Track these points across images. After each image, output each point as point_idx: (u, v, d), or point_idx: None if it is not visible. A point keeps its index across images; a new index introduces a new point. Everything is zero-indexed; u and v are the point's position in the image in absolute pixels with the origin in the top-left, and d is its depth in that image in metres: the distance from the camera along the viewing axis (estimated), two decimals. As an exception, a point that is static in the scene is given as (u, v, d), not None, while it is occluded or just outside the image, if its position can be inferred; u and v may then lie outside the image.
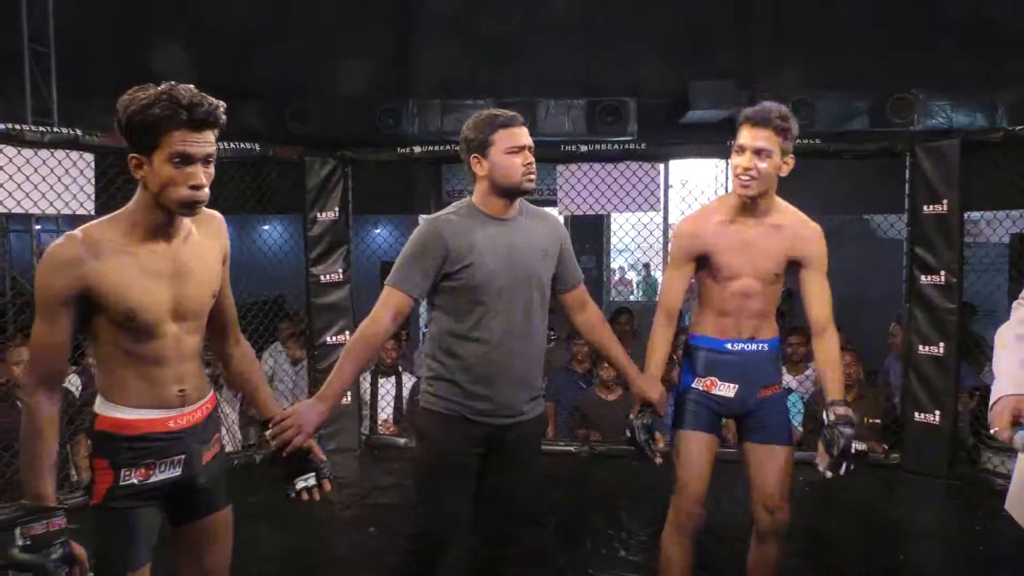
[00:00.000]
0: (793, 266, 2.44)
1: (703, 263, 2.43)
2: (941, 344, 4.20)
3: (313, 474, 1.99)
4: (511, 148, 2.18)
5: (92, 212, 3.98)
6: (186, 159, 1.63)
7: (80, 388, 4.17)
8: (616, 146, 4.88)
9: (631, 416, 2.49)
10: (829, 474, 2.31)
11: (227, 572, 1.95)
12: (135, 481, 1.74)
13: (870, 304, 6.06)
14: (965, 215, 4.17)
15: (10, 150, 3.65)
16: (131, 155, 1.66)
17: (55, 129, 3.94)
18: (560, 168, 4.75)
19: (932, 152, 4.23)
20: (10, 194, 3.66)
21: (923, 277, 4.24)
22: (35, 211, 3.85)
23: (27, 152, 3.70)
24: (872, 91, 8.25)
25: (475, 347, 2.19)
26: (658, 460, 2.46)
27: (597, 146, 4.81)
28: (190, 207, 1.68)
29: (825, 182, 7.28)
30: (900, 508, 3.96)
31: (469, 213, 2.23)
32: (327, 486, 2.00)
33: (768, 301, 2.45)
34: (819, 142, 4.56)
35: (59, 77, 6.21)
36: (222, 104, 1.68)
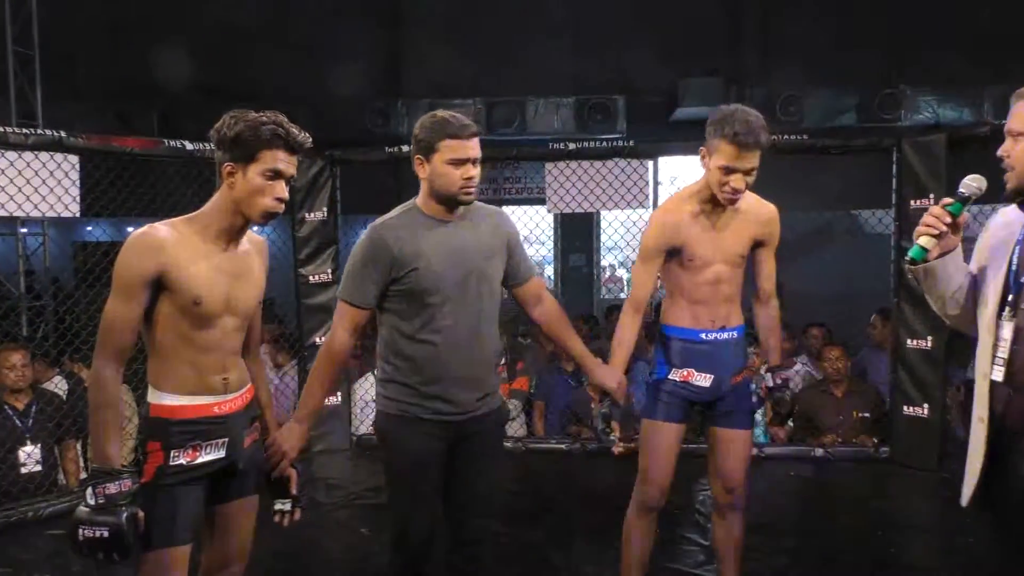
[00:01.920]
0: (755, 246, 2.53)
1: (674, 254, 2.47)
2: (929, 338, 4.22)
3: (290, 501, 2.14)
4: (453, 160, 2.14)
5: (77, 214, 3.96)
6: (276, 175, 1.87)
7: (68, 392, 4.14)
8: (605, 144, 4.88)
9: (591, 405, 2.52)
10: (768, 419, 2.46)
11: (245, 558, 2.08)
12: (184, 462, 1.88)
13: (858, 299, 6.08)
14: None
15: (-6, 153, 3.62)
16: (227, 163, 1.88)
17: (39, 131, 3.90)
18: (549, 166, 4.74)
19: (919, 147, 4.25)
20: (-6, 197, 3.63)
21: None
22: (20, 214, 3.82)
23: (11, 155, 3.67)
24: (860, 87, 8.29)
25: (425, 348, 2.21)
26: (616, 449, 2.54)
27: (586, 144, 4.81)
28: (269, 216, 1.91)
29: (814, 178, 7.31)
30: (890, 501, 3.97)
31: (412, 216, 2.24)
32: (297, 515, 2.16)
33: (736, 285, 2.51)
34: (807, 138, 4.57)
35: (43, 79, 6.16)
36: (310, 137, 1.94)
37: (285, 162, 1.88)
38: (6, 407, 3.79)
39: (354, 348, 2.32)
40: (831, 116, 8.35)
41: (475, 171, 2.18)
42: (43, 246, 6.07)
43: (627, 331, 2.55)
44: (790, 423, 4.58)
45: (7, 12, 5.90)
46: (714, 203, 2.41)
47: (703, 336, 2.48)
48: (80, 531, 1.74)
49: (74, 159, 3.87)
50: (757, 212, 2.49)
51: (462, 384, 2.24)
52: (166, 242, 1.83)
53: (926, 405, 4.23)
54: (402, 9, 9.02)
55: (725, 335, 2.49)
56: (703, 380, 2.49)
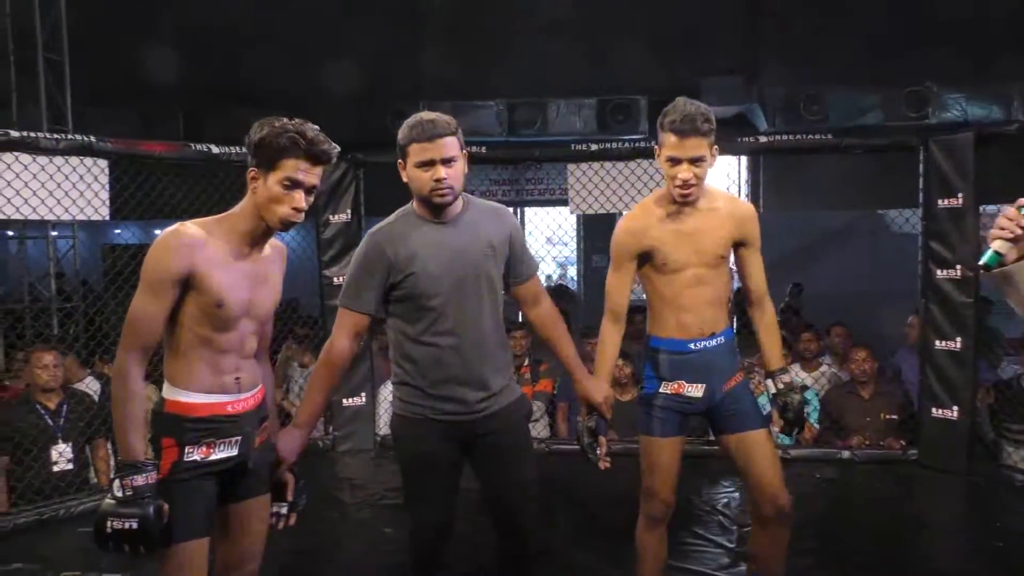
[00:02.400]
0: (735, 247, 2.47)
1: (647, 260, 2.43)
2: (958, 339, 4.16)
3: (287, 504, 2.17)
4: (419, 162, 2.15)
5: (106, 217, 4.02)
6: (295, 184, 1.88)
7: (99, 393, 4.21)
8: (628, 144, 4.86)
9: (578, 418, 2.50)
10: (787, 439, 2.38)
11: (259, 558, 2.10)
12: (197, 458, 1.92)
13: (884, 300, 6.02)
14: (981, 209, 4.13)
15: (26, 157, 3.68)
16: (251, 169, 1.90)
17: (70, 136, 3.97)
18: (571, 167, 4.75)
19: (946, 146, 4.20)
20: (26, 201, 3.69)
21: (939, 272, 4.21)
22: (51, 217, 3.89)
23: (42, 159, 3.74)
24: (885, 85, 8.19)
25: (429, 351, 2.21)
26: (602, 465, 2.47)
27: (608, 145, 4.80)
28: (287, 224, 1.92)
29: (838, 178, 7.24)
30: (918, 504, 3.92)
31: (408, 220, 2.25)
32: (293, 519, 2.18)
33: (719, 288, 2.45)
34: (831, 137, 4.53)
35: (72, 84, 6.26)
36: (337, 148, 1.94)
37: (305, 172, 1.88)
38: (38, 406, 3.86)
39: (354, 354, 2.30)
40: (855, 115, 8.26)
41: (446, 171, 2.15)
42: (73, 249, 6.17)
43: (608, 342, 2.50)
44: (816, 425, 4.54)
45: (37, 19, 6.00)
46: (683, 205, 2.37)
47: (692, 346, 2.42)
48: (108, 523, 1.77)
49: (103, 163, 3.93)
50: (731, 210, 2.44)
51: (468, 384, 2.23)
52: (198, 242, 1.86)
53: (955, 407, 4.17)
54: (422, 11, 9.06)
55: (714, 342, 2.43)
56: (696, 391, 2.43)
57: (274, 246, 2.07)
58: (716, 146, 2.33)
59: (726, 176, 10.81)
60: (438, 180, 2.15)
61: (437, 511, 2.29)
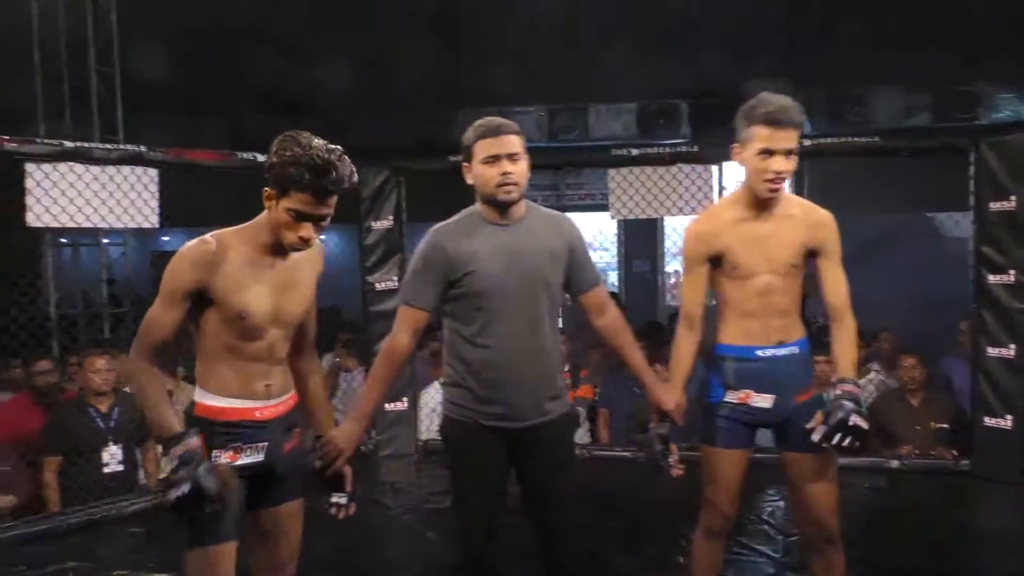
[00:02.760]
0: (809, 256, 2.37)
1: (717, 264, 2.36)
2: (1012, 346, 4.04)
3: (345, 495, 2.17)
4: (486, 158, 2.19)
5: (156, 225, 4.12)
6: (301, 216, 1.86)
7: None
8: (669, 149, 4.83)
9: (650, 425, 2.45)
10: (817, 438, 2.21)
11: (294, 563, 2.10)
12: (225, 462, 1.92)
13: (934, 306, 5.88)
14: (1035, 211, 4.02)
15: (79, 167, 3.79)
16: (266, 189, 1.88)
17: (121, 146, 4.08)
18: (612, 172, 4.73)
19: (998, 147, 4.09)
20: (79, 209, 3.81)
21: (991, 276, 4.10)
22: (103, 225, 4.00)
23: (95, 169, 3.85)
24: (933, 85, 8.01)
25: (482, 352, 2.22)
26: (674, 472, 2.41)
27: (649, 150, 4.77)
28: (295, 250, 1.93)
29: (886, 180, 7.09)
30: (970, 515, 3.82)
31: (471, 219, 2.27)
32: (352, 509, 2.18)
33: (791, 297, 2.36)
34: (878, 139, 4.45)
35: (123, 95, 6.43)
36: (352, 174, 1.88)
37: (311, 205, 1.84)
38: (90, 409, 3.96)
39: (413, 351, 2.35)
40: (902, 116, 8.09)
41: (513, 167, 2.19)
42: (124, 255, 6.33)
43: (682, 348, 2.42)
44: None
45: (90, 32, 6.17)
46: (758, 208, 2.31)
47: (758, 353, 2.33)
48: (171, 495, 1.80)
49: (153, 172, 4.04)
50: (806, 217, 2.35)
51: (520, 390, 2.23)
52: (212, 257, 1.88)
53: (1009, 416, 4.05)
54: (462, 18, 9.11)
55: (784, 351, 2.34)
56: (764, 401, 2.33)
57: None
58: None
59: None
60: (504, 174, 2.18)
61: (483, 514, 2.29)
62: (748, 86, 8.15)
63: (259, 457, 1.98)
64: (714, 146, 4.85)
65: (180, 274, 1.88)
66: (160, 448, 1.89)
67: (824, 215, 2.39)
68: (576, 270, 2.35)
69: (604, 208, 5.02)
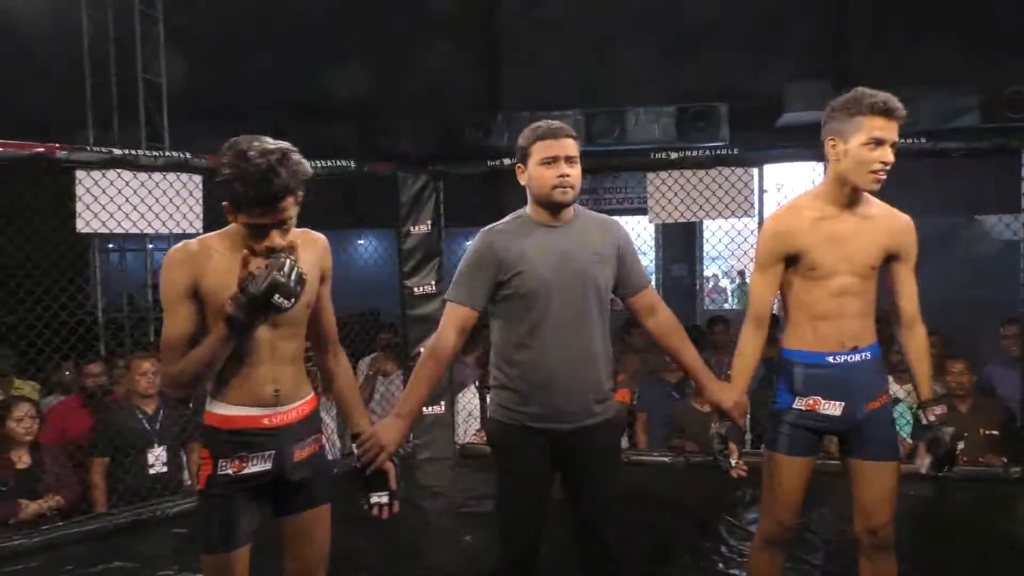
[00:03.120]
0: (888, 260, 2.30)
1: (793, 263, 2.28)
2: (1065, 351, 3.93)
3: (387, 493, 2.10)
4: (544, 159, 2.21)
5: (200, 231, 4.19)
6: (259, 229, 1.81)
7: (192, 399, 4.37)
8: (708, 152, 4.79)
9: (711, 424, 2.41)
10: (926, 470, 2.23)
11: (324, 567, 2.09)
12: (230, 472, 1.92)
13: (984, 310, 5.72)
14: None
15: (127, 174, 3.88)
16: (224, 202, 1.83)
17: (167, 153, 4.16)
18: (650, 176, 4.70)
19: (1051, 147, 3.98)
20: (127, 215, 3.89)
21: (1042, 280, 3.98)
22: (149, 231, 4.09)
23: (142, 175, 3.93)
24: (983, 86, 7.82)
25: (530, 354, 2.22)
26: (735, 473, 2.36)
27: (687, 153, 4.73)
28: (265, 256, 1.83)
29: (932, 182, 6.94)
30: (1020, 525, 3.71)
31: (522, 221, 2.30)
32: (396, 507, 2.12)
33: (867, 300, 2.29)
34: (925, 141, 4.35)
35: (169, 102, 6.57)
36: (298, 172, 1.79)
37: (265, 216, 1.78)
38: (137, 411, 4.04)
39: (459, 350, 2.33)
40: (950, 117, 7.91)
41: (569, 170, 2.22)
42: (169, 261, 6.45)
43: (748, 347, 2.35)
44: (908, 439, 4.34)
45: (137, 43, 6.32)
46: (840, 207, 2.25)
47: (830, 360, 2.25)
48: (254, 288, 1.75)
49: (198, 178, 4.11)
50: (888, 220, 2.28)
51: (569, 392, 2.23)
52: (195, 255, 1.87)
53: (1062, 423, 3.93)
54: (500, 22, 9.14)
55: (857, 357, 2.26)
56: (833, 408, 2.25)
57: (306, 241, 1.97)
58: None
59: (811, 183, 10.53)
60: (562, 176, 2.20)
61: (529, 518, 2.28)
62: (790, 88, 8.07)
63: (266, 466, 1.94)
64: (754, 149, 4.80)
65: (170, 278, 1.86)
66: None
67: (906, 220, 2.32)
68: (625, 272, 2.36)
69: (642, 212, 4.98)
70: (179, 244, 1.91)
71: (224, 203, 1.83)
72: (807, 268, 2.26)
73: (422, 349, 4.64)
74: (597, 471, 2.30)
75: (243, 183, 1.74)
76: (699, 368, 2.42)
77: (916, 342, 2.34)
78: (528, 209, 2.32)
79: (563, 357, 2.22)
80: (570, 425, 2.24)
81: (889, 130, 2.15)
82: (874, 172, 2.16)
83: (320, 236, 2.05)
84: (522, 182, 2.31)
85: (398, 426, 2.17)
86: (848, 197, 2.25)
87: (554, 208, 2.26)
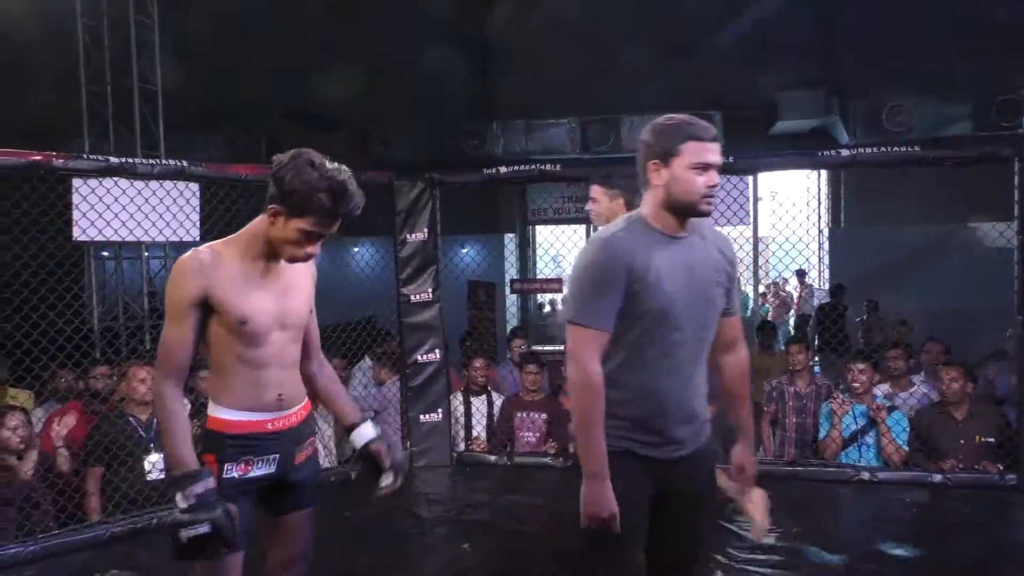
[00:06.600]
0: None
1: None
2: (1059, 358, 3.95)
3: (391, 473, 2.18)
4: (696, 164, 1.92)
5: (197, 239, 4.19)
6: (311, 236, 1.89)
7: (187, 405, 4.36)
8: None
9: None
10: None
11: (309, 559, 2.15)
12: (236, 475, 1.96)
13: (977, 316, 5.76)
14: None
15: (124, 182, 3.87)
16: (273, 204, 1.88)
17: (163, 161, 4.16)
18: (646, 184, 4.70)
19: (1043, 155, 4.01)
20: (123, 223, 3.89)
21: (1036, 287, 4.00)
22: (146, 239, 4.09)
23: (139, 184, 3.92)
24: (974, 94, 7.88)
25: (644, 378, 1.98)
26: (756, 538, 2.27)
27: (683, 160, 4.73)
28: (294, 261, 1.95)
29: (924, 190, 6.99)
30: (1015, 532, 3.73)
31: (642, 230, 1.98)
32: (399, 482, 2.18)
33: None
34: (918, 149, 4.38)
35: (165, 111, 6.59)
36: (362, 195, 1.92)
37: (324, 227, 1.89)
38: (131, 419, 4.03)
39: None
40: (942, 125, 7.96)
41: (716, 180, 1.96)
42: (165, 269, 6.46)
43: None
44: (905, 447, 4.36)
45: (133, 51, 6.34)
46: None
47: None
48: (182, 534, 1.83)
49: (195, 187, 4.11)
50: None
51: (680, 417, 2.01)
52: (207, 264, 1.90)
53: (1056, 430, 3.95)
54: (494, 31, 9.18)
55: None
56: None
57: None
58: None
59: (805, 191, 10.58)
60: (712, 186, 1.94)
61: (638, 551, 2.04)
62: (783, 97, 8.12)
63: (271, 469, 2.00)
64: (748, 157, 4.82)
65: (182, 286, 1.89)
66: (169, 482, 1.90)
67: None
68: (729, 293, 2.10)
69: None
70: (190, 252, 1.93)
71: (274, 206, 1.86)
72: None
73: (419, 358, 4.71)
74: (693, 511, 2.08)
75: (325, 195, 1.83)
76: (747, 428, 2.19)
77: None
78: (646, 214, 2.00)
79: (679, 383, 2.00)
80: (675, 454, 2.02)
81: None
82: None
83: None
84: (655, 182, 1.97)
85: (605, 488, 1.93)
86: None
87: (686, 217, 1.98)
